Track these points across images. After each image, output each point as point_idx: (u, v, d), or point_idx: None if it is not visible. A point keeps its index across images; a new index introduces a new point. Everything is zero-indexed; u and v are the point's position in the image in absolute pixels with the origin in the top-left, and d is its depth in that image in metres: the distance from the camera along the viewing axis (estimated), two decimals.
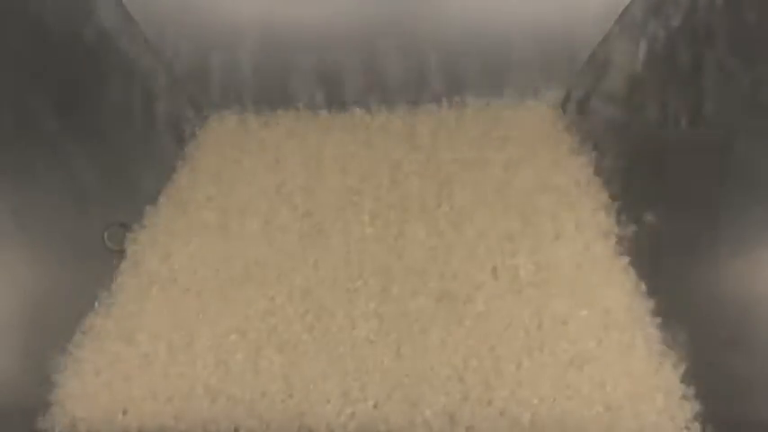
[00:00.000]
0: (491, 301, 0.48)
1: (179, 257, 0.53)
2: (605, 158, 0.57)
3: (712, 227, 0.44)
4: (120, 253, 0.54)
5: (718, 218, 0.44)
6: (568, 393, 0.43)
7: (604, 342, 0.45)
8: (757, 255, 0.41)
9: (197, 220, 0.56)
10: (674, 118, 0.50)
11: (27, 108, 0.48)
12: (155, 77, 0.62)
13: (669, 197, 0.49)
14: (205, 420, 0.44)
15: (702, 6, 0.47)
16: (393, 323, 0.47)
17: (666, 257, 0.48)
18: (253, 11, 0.62)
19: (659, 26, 0.52)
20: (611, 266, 0.49)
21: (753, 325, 0.40)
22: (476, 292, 0.48)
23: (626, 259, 0.50)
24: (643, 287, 0.48)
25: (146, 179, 0.59)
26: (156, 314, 0.50)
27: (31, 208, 0.48)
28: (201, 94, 0.66)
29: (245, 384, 0.45)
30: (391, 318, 0.47)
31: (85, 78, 0.55)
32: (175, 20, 0.61)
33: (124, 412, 0.45)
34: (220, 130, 0.65)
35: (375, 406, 0.43)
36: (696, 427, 0.41)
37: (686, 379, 0.43)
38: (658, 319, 0.46)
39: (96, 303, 0.51)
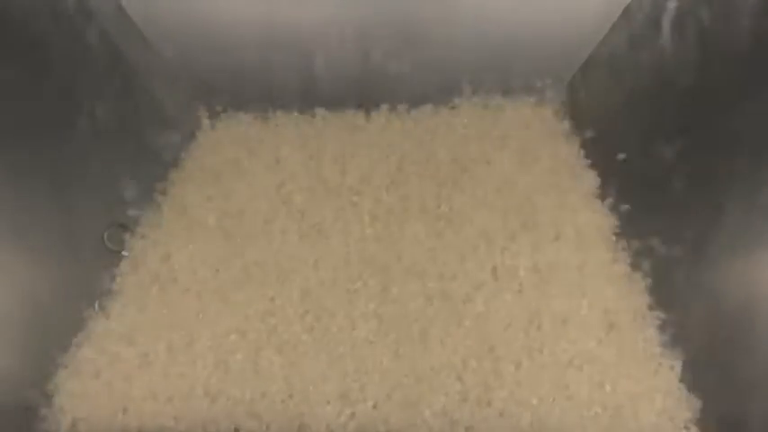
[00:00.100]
0: (491, 302, 0.48)
1: (179, 258, 0.53)
2: (605, 158, 0.56)
3: (712, 227, 0.44)
4: (120, 253, 0.54)
5: (718, 218, 0.44)
6: (568, 393, 0.43)
7: (604, 342, 0.45)
8: (757, 255, 0.41)
9: (197, 220, 0.56)
10: (674, 116, 0.50)
11: (27, 108, 0.48)
12: (154, 78, 0.62)
13: (669, 197, 0.49)
14: (205, 420, 0.44)
15: (703, 6, 0.47)
16: (393, 324, 0.47)
17: (666, 258, 0.48)
18: (253, 11, 0.62)
19: (659, 26, 0.52)
20: (611, 267, 0.49)
21: (753, 325, 0.40)
22: (475, 292, 0.48)
23: (626, 259, 0.50)
24: (643, 287, 0.48)
25: (145, 179, 0.59)
26: (155, 314, 0.50)
27: (30, 208, 0.48)
28: (201, 94, 0.65)
29: (244, 385, 0.45)
30: (391, 318, 0.47)
31: (85, 79, 0.55)
32: (175, 20, 0.61)
33: (124, 412, 0.45)
34: (220, 130, 0.65)
35: (375, 406, 0.43)
36: (696, 427, 0.41)
37: (686, 379, 0.43)
38: (658, 320, 0.46)
39: (96, 304, 0.51)
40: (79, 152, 0.53)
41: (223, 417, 0.44)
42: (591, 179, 0.56)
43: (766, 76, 0.42)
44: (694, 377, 0.43)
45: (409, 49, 0.62)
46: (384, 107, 0.64)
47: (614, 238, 0.51)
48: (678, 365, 0.43)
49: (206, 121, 0.66)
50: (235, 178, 0.60)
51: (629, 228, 0.51)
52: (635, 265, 0.49)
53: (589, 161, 0.57)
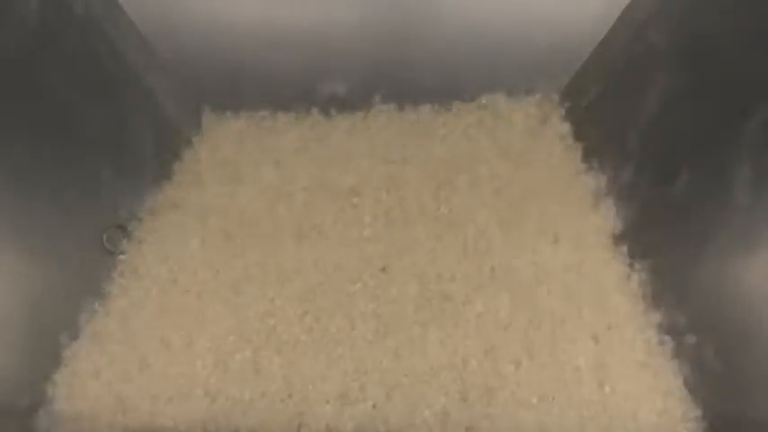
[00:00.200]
0: (490, 302, 0.48)
1: (178, 258, 0.53)
2: (605, 158, 0.56)
3: (713, 227, 0.44)
4: (120, 254, 0.54)
5: (718, 218, 0.44)
6: (568, 393, 0.43)
7: (604, 342, 0.45)
8: (758, 255, 0.41)
9: (196, 221, 0.56)
10: (674, 117, 0.50)
11: (26, 109, 0.49)
12: (154, 78, 0.62)
13: (669, 198, 0.49)
14: (205, 421, 0.44)
15: (703, 5, 0.47)
16: (392, 324, 0.47)
17: (667, 258, 0.48)
18: (253, 11, 0.62)
19: (659, 26, 0.52)
20: (611, 267, 0.49)
21: (753, 325, 0.40)
22: (475, 292, 0.48)
23: (626, 260, 0.50)
24: (643, 287, 0.48)
25: (145, 180, 0.59)
26: (155, 315, 0.50)
27: (30, 209, 0.48)
28: (201, 94, 0.65)
29: (244, 385, 0.45)
30: (390, 318, 0.47)
31: (84, 80, 0.55)
32: (175, 20, 0.61)
33: (124, 412, 0.45)
34: (220, 131, 0.65)
35: (374, 406, 0.43)
36: (696, 427, 0.41)
37: (686, 379, 0.43)
38: (658, 320, 0.46)
39: (96, 304, 0.51)
40: (78, 153, 0.53)
41: (223, 417, 0.44)
42: (590, 180, 0.56)
43: (766, 76, 0.42)
44: (694, 377, 0.43)
45: (409, 50, 0.62)
46: (384, 107, 0.64)
47: (613, 238, 0.51)
48: (678, 366, 0.43)
49: (206, 122, 0.66)
50: (234, 179, 0.60)
51: (629, 228, 0.51)
52: (634, 266, 0.49)
53: (588, 162, 0.57)
